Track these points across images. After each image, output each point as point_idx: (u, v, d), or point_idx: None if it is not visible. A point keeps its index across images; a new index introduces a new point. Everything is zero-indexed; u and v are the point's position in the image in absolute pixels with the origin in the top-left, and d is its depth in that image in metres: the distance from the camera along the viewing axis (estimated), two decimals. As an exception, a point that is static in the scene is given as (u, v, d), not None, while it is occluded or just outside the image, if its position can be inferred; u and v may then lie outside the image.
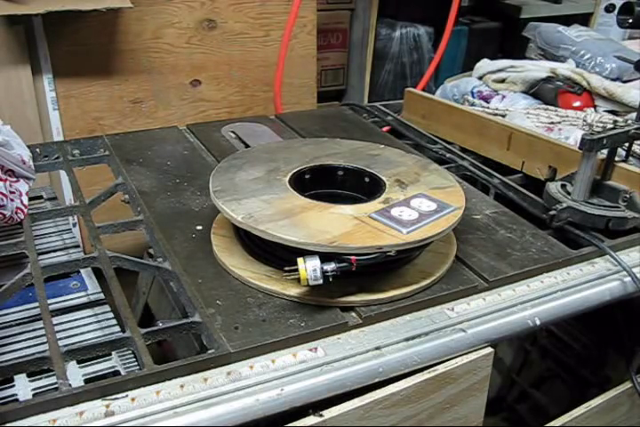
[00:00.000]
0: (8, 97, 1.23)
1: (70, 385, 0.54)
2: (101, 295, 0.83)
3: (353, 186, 0.79)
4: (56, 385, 0.54)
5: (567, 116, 1.10)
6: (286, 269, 0.62)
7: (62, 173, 1.04)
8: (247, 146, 1.02)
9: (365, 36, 1.86)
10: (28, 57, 1.22)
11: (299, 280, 0.61)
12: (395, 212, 0.67)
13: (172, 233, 0.77)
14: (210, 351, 0.59)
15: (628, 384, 0.93)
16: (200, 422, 0.54)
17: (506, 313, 0.69)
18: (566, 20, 1.69)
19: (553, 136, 1.00)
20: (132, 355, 0.71)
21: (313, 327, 0.62)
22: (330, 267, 0.61)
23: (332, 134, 1.06)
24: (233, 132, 1.09)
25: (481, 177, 0.97)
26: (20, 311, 0.78)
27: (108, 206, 0.87)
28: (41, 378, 0.67)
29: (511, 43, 2.00)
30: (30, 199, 0.86)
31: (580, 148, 0.81)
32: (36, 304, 0.66)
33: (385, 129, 1.19)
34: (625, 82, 1.23)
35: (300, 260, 0.61)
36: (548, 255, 0.77)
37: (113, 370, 0.70)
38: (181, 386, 0.56)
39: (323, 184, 0.79)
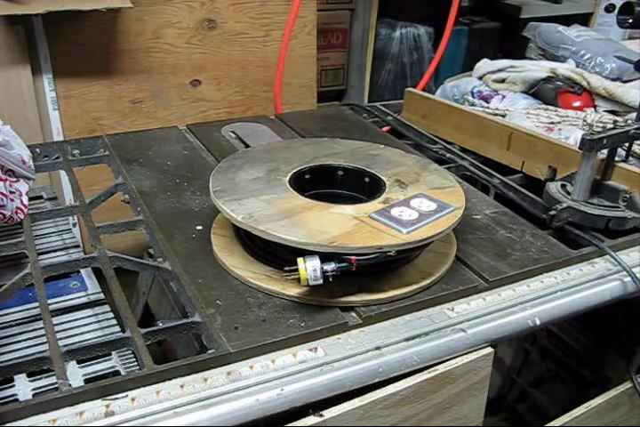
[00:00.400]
0: (8, 97, 1.23)
1: (70, 385, 0.54)
2: (101, 295, 0.83)
3: (353, 186, 0.79)
4: (56, 385, 0.54)
5: (567, 116, 1.10)
6: (286, 269, 0.62)
7: (62, 173, 1.04)
8: (247, 146, 1.02)
9: (365, 36, 1.86)
10: (27, 57, 1.22)
11: (299, 280, 0.61)
12: (395, 212, 0.67)
13: (172, 233, 0.77)
14: (210, 351, 0.59)
15: (628, 384, 0.93)
16: (200, 422, 0.54)
17: (506, 313, 0.69)
18: (566, 20, 1.69)
19: (553, 136, 1.00)
20: (132, 355, 0.71)
21: (313, 327, 0.62)
22: (330, 267, 0.61)
23: (332, 134, 1.06)
24: (233, 132, 1.09)
25: (481, 177, 0.97)
26: (20, 311, 0.78)
27: (107, 206, 0.87)
28: (41, 378, 0.67)
29: (511, 43, 2.00)
30: (30, 199, 0.86)
31: (579, 148, 0.81)
32: (36, 304, 0.66)
33: (385, 129, 1.19)
34: (625, 82, 1.23)
35: (300, 260, 0.61)
36: (547, 255, 0.77)
37: (113, 370, 0.70)
38: (181, 386, 0.56)
39: (323, 184, 0.79)
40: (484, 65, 1.32)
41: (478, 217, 0.85)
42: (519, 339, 1.31)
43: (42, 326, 0.62)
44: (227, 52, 1.39)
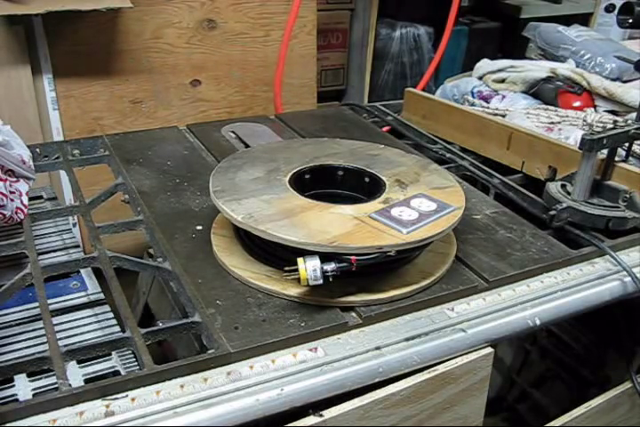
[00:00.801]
0: (8, 97, 1.23)
1: (70, 385, 0.54)
2: (101, 295, 0.83)
3: (353, 186, 0.79)
4: (56, 385, 0.54)
5: (567, 116, 1.10)
6: (286, 269, 0.62)
7: (62, 173, 1.04)
8: (247, 146, 1.02)
9: (365, 36, 1.86)
10: (27, 57, 1.22)
11: (299, 280, 0.61)
12: (395, 212, 0.67)
13: (172, 233, 0.77)
14: (210, 351, 0.59)
15: (627, 384, 0.93)
16: (200, 422, 0.54)
17: (506, 313, 0.69)
18: (566, 20, 1.69)
19: (553, 136, 1.00)
20: (132, 355, 0.71)
21: (313, 327, 0.62)
22: (330, 267, 0.61)
23: (332, 134, 1.06)
24: (233, 132, 1.09)
25: (481, 177, 0.97)
26: (20, 311, 0.78)
27: (107, 206, 0.87)
28: (41, 378, 0.67)
29: (511, 43, 2.00)
30: (30, 199, 0.86)
31: (579, 148, 0.81)
32: (36, 304, 0.66)
33: (385, 129, 1.19)
34: (625, 82, 1.23)
35: (299, 260, 0.61)
36: (547, 255, 0.77)
37: (113, 370, 0.70)
38: (181, 386, 0.56)
39: (323, 184, 0.79)
40: (484, 65, 1.32)
41: (478, 217, 0.85)
42: (519, 339, 1.31)
43: (42, 326, 0.62)
44: (227, 52, 1.39)
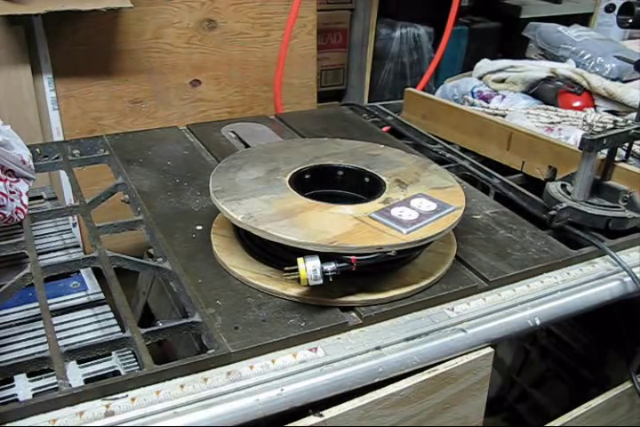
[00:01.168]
0: (8, 97, 1.23)
1: (70, 385, 0.54)
2: (101, 295, 0.83)
3: (353, 186, 0.79)
4: (56, 385, 0.54)
5: (567, 116, 1.10)
6: (286, 269, 0.62)
7: (62, 173, 1.04)
8: (247, 146, 1.02)
9: (365, 36, 1.86)
10: (28, 57, 1.22)
11: (299, 280, 0.61)
12: (395, 212, 0.67)
13: (172, 233, 0.77)
14: (210, 351, 0.59)
15: (627, 384, 0.93)
16: (200, 422, 0.54)
17: (506, 313, 0.69)
18: (566, 20, 1.69)
19: (553, 136, 1.00)
20: (132, 355, 0.71)
21: (313, 327, 0.62)
22: (330, 267, 0.61)
23: (332, 134, 1.06)
24: (233, 132, 1.09)
25: (481, 177, 0.97)
26: (20, 311, 0.78)
27: (108, 206, 0.87)
28: (41, 378, 0.67)
29: (511, 43, 2.01)
30: (30, 199, 0.86)
31: (580, 148, 0.81)
32: (36, 304, 0.66)
33: (385, 129, 1.19)
34: (625, 82, 1.23)
35: (299, 260, 0.61)
36: (547, 255, 0.77)
37: (113, 370, 0.70)
38: (181, 386, 0.56)
39: (323, 184, 0.79)
40: (484, 65, 1.32)
41: (478, 217, 0.85)
42: (519, 339, 1.31)
43: (42, 326, 0.62)
44: (227, 52, 1.39)
